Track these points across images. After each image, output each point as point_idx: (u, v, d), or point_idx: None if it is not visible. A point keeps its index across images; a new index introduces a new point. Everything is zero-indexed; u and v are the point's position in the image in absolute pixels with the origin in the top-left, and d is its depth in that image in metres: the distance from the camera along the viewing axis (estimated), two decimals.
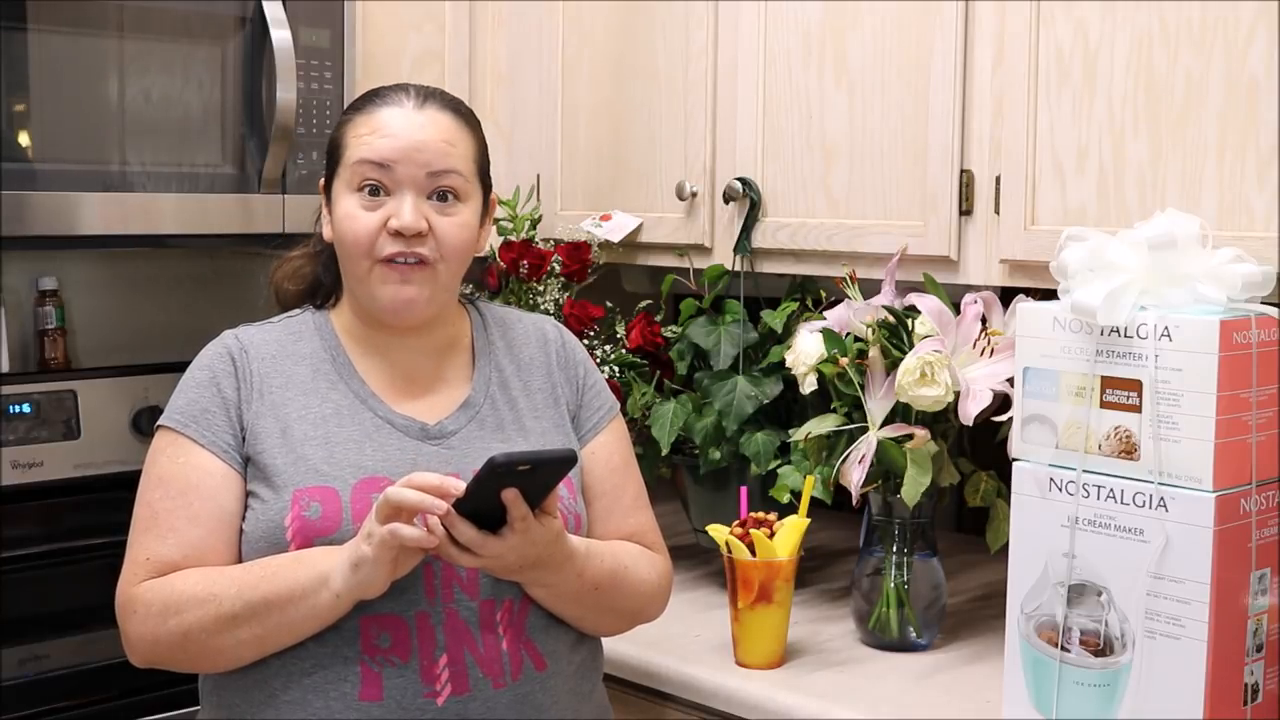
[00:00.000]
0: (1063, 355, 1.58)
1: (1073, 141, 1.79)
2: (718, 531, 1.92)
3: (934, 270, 1.94)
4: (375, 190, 1.59)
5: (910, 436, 1.87)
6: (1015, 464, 1.64)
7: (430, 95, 1.63)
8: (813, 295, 2.18)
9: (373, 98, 1.64)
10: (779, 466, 2.07)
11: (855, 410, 1.93)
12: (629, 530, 1.72)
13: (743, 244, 2.16)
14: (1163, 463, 1.50)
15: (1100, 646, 1.55)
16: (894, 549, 1.96)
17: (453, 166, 1.60)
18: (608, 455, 1.73)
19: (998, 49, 1.88)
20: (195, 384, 1.61)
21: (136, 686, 1.93)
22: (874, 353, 1.90)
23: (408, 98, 1.62)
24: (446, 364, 1.69)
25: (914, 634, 1.97)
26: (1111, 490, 1.54)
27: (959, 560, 2.31)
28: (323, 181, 1.67)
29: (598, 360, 2.23)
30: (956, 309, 1.89)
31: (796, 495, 1.95)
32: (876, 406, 1.89)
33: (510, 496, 1.43)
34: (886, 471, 1.91)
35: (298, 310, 1.71)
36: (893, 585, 1.96)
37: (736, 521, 1.92)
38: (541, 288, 2.31)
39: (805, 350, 1.99)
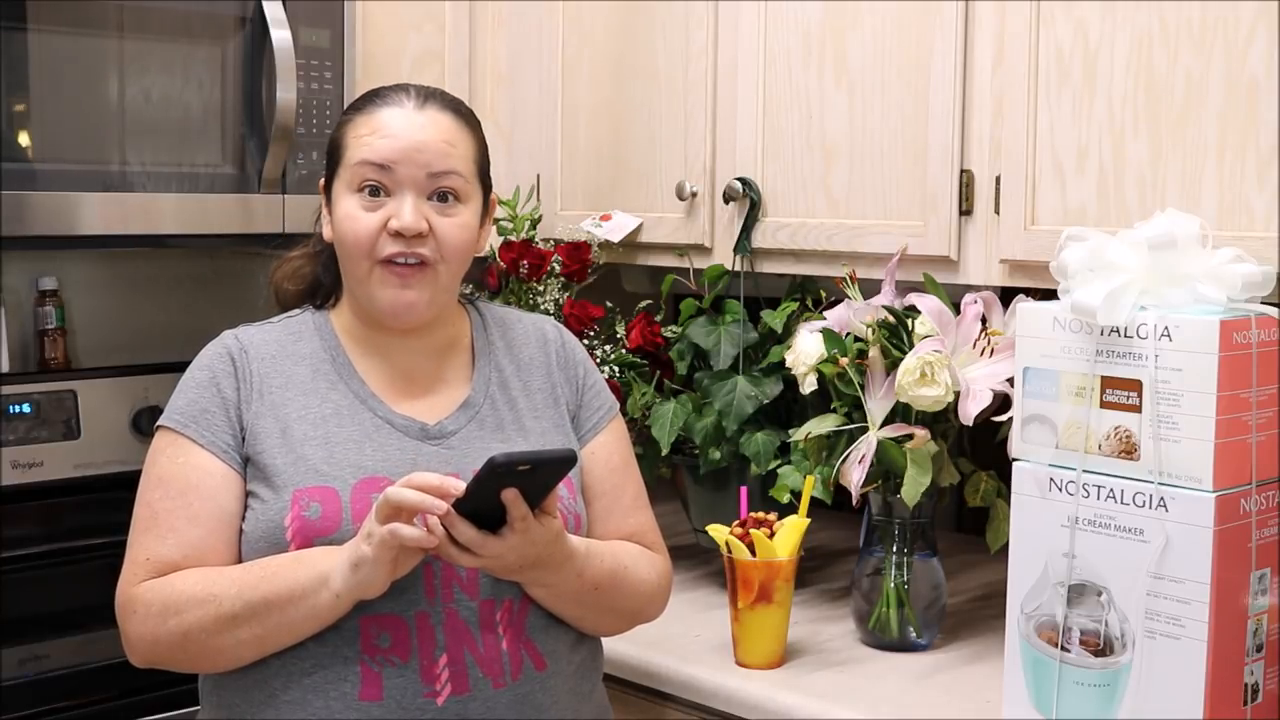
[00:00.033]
0: (1063, 355, 1.58)
1: (1073, 141, 1.79)
2: (718, 531, 1.92)
3: (934, 270, 1.94)
4: (375, 191, 1.59)
5: (910, 436, 1.87)
6: (1015, 464, 1.64)
7: (431, 96, 1.63)
8: (813, 295, 2.18)
9: (373, 98, 1.64)
10: (779, 466, 2.07)
11: (855, 410, 1.93)
12: (629, 530, 1.72)
13: (743, 244, 2.16)
14: (1163, 463, 1.50)
15: (1100, 646, 1.55)
16: (894, 549, 1.96)
17: (453, 167, 1.60)
18: (607, 455, 1.73)
19: (998, 49, 1.88)
20: (195, 384, 1.61)
21: (136, 686, 1.93)
22: (874, 353, 1.90)
23: (408, 98, 1.62)
24: (446, 364, 1.69)
25: (914, 634, 1.97)
26: (1111, 490, 1.54)
27: (959, 560, 2.31)
28: (323, 182, 1.67)
29: (598, 360, 2.23)
30: (956, 309, 1.89)
31: (796, 495, 1.95)
32: (876, 406, 1.89)
33: (510, 496, 1.43)
34: (886, 471, 1.91)
35: (297, 310, 1.71)
36: (893, 585, 1.96)
37: (736, 521, 1.92)
38: (541, 288, 2.31)
39: (805, 350, 1.99)
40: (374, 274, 1.59)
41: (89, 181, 2.03)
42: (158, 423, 1.61)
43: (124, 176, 2.06)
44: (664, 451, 2.17)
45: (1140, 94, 1.73)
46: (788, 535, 1.89)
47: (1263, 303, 1.56)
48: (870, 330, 1.91)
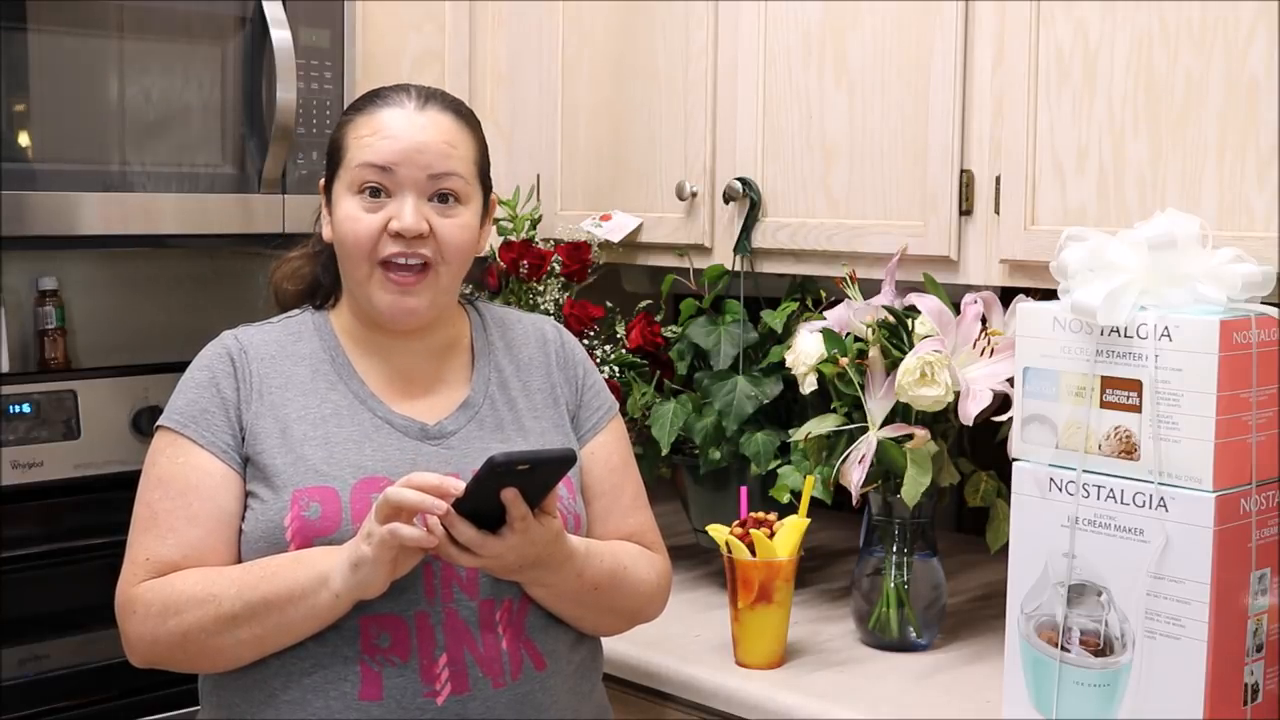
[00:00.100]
0: (1063, 355, 1.58)
1: (1073, 141, 1.79)
2: (718, 531, 1.92)
3: (934, 270, 1.94)
4: (376, 192, 1.59)
5: (910, 436, 1.87)
6: (1015, 464, 1.64)
7: (431, 96, 1.63)
8: (813, 295, 2.18)
9: (373, 98, 1.64)
10: (779, 466, 2.06)
11: (855, 410, 1.93)
12: (628, 530, 1.72)
13: (743, 244, 2.16)
14: (1163, 463, 1.50)
15: (1100, 646, 1.55)
16: (894, 549, 1.96)
17: (453, 169, 1.60)
18: (607, 455, 1.73)
19: (998, 49, 1.88)
20: (194, 384, 1.61)
21: (136, 686, 1.93)
22: (874, 353, 1.90)
23: (409, 99, 1.62)
24: (446, 364, 1.69)
25: (914, 634, 1.97)
26: (1111, 490, 1.54)
27: (959, 560, 2.31)
28: (323, 182, 1.67)
29: (598, 360, 2.23)
30: (956, 309, 1.89)
31: (796, 495, 1.95)
32: (876, 406, 1.89)
33: (510, 496, 1.43)
34: (886, 471, 1.91)
35: (297, 310, 1.71)
36: (893, 585, 1.96)
37: (736, 521, 1.92)
38: (541, 288, 2.31)
39: (805, 350, 1.99)
40: (374, 276, 1.59)
41: (89, 181, 2.03)
42: (157, 423, 1.61)
43: (124, 176, 2.06)
44: (664, 451, 2.16)
45: (1140, 94, 1.73)
46: (788, 535, 1.89)
47: (1263, 303, 1.56)
48: (870, 330, 1.91)
